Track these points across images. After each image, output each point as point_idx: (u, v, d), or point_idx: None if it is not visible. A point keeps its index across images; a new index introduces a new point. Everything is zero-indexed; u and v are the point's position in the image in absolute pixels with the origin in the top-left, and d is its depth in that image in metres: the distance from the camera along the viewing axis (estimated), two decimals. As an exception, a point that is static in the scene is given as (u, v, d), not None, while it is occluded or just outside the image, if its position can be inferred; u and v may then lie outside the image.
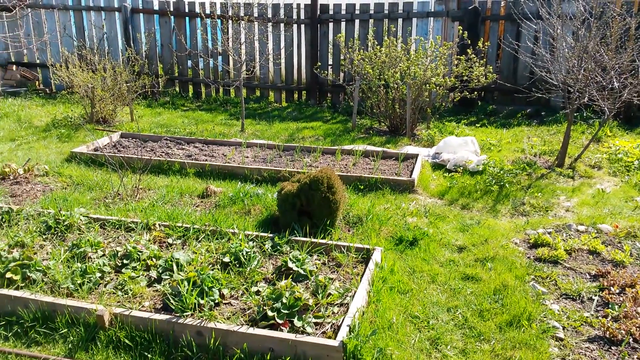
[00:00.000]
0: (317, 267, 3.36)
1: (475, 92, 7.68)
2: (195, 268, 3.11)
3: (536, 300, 3.19)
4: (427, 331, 2.95)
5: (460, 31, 7.77)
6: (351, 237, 3.99)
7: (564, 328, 2.94)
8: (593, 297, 3.24)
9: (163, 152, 6.20)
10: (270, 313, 2.68)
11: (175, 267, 3.13)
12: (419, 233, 4.07)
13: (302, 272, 3.24)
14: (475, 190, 5.26)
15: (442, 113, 8.37)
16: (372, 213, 4.35)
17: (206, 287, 2.86)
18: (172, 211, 4.28)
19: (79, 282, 3.06)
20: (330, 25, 9.47)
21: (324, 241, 3.67)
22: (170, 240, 3.72)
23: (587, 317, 3.04)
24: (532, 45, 6.90)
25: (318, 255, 3.58)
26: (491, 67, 7.58)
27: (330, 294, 3.01)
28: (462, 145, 6.23)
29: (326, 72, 9.10)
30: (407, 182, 5.24)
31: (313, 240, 3.68)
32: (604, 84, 5.73)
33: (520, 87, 7.63)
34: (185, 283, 2.87)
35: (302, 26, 9.58)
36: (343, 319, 2.77)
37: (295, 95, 9.98)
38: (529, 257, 3.83)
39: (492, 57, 9.00)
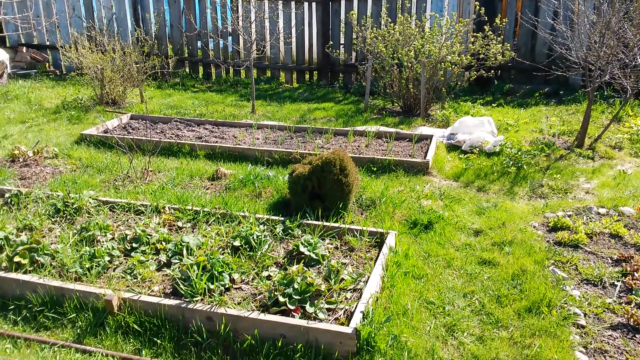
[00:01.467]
0: (329, 252, 3.27)
1: (492, 71, 7.46)
2: (205, 252, 3.05)
3: (556, 286, 3.08)
4: (443, 317, 2.87)
5: (477, 7, 7.51)
6: (364, 221, 3.89)
7: (585, 315, 2.83)
8: (615, 283, 3.12)
9: (173, 133, 6.12)
10: (281, 299, 2.61)
11: (184, 251, 3.07)
12: (434, 216, 3.96)
13: (314, 256, 3.16)
14: (491, 172, 5.11)
15: (457, 92, 8.17)
16: (385, 196, 4.24)
17: (216, 272, 2.79)
18: (181, 194, 4.21)
19: (87, 266, 3.02)
20: (342, 2, 9.23)
21: (336, 225, 3.58)
22: (180, 224, 3.66)
23: (609, 303, 2.93)
24: (552, 21, 6.64)
25: (330, 239, 3.49)
26: (509, 45, 7.34)
27: (343, 279, 2.93)
28: (478, 126, 6.06)
29: (338, 51, 8.91)
30: (422, 164, 5.11)
31: (325, 223, 3.59)
32: (627, 61, 5.50)
33: (539, 65, 7.38)
34: (195, 267, 2.81)
35: (314, 4, 9.36)
36: (356, 305, 2.69)
37: (307, 76, 9.81)
38: (548, 241, 3.71)
39: (509, 34, 8.72)
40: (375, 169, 5.10)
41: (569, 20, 6.65)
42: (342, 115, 7.34)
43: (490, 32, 7.15)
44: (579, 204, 4.34)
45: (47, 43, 10.23)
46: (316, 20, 9.46)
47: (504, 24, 7.54)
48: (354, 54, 9.27)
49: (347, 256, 3.32)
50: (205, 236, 3.38)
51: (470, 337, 2.73)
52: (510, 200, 4.53)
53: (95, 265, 3.03)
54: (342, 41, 9.47)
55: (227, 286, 2.82)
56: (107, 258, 3.12)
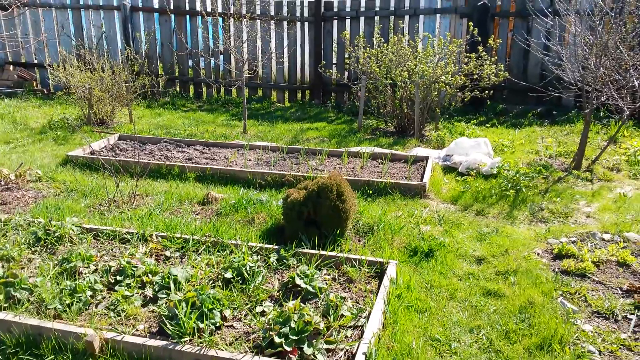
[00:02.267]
0: (327, 283, 3.09)
1: (486, 92, 7.40)
2: (194, 286, 2.85)
3: (567, 320, 2.92)
4: (449, 356, 2.69)
5: (471, 28, 7.49)
6: (362, 249, 3.72)
7: (600, 352, 2.67)
8: (629, 316, 2.97)
9: (162, 155, 5.94)
10: (277, 339, 2.41)
11: (172, 286, 2.87)
12: (434, 243, 3.80)
13: (310, 289, 2.97)
14: (490, 194, 4.99)
15: (451, 113, 8.11)
16: (383, 221, 4.08)
17: (206, 310, 2.59)
18: (170, 220, 4.01)
19: (67, 302, 2.80)
20: (335, 22, 9.21)
21: (333, 254, 3.41)
22: (167, 253, 3.46)
23: (624, 339, 2.77)
24: (546, 42, 6.61)
25: (327, 270, 3.31)
26: (502, 65, 7.31)
27: (342, 315, 2.74)
28: (475, 147, 5.96)
29: (330, 71, 8.84)
30: (418, 187, 4.97)
31: (322, 252, 3.41)
32: (623, 82, 5.45)
33: (531, 85, 7.34)
34: (184, 304, 2.61)
35: (306, 24, 9.32)
36: (358, 345, 2.50)
37: (299, 95, 9.71)
38: (554, 270, 3.56)
39: (501, 55, 8.71)
40: (371, 191, 4.95)
41: (563, 41, 6.63)
42: (335, 135, 7.21)
43: (484, 53, 7.12)
44: (582, 229, 4.22)
45: (35, 61, 10.06)
46: (308, 39, 9.41)
47: (497, 44, 7.52)
48: (346, 73, 9.20)
49: (345, 288, 3.14)
50: (195, 267, 3.18)
51: (479, 377, 2.55)
52: (511, 225, 4.39)
53: (76, 301, 2.82)
54: (334, 61, 9.41)
55: (218, 324, 2.63)
56: (89, 293, 2.91)
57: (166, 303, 2.76)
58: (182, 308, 2.59)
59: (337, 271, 3.31)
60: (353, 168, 5.61)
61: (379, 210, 4.34)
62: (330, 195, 3.63)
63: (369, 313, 2.77)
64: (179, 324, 2.53)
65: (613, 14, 5.44)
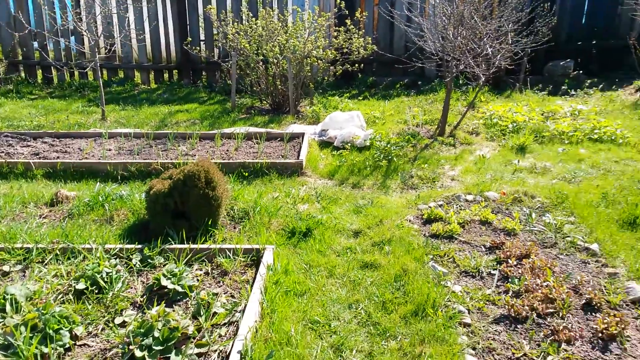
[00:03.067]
0: (198, 280, 2.85)
1: (356, 65, 7.51)
2: (37, 304, 2.44)
3: (438, 284, 3.02)
4: (330, 337, 2.62)
5: (338, 1, 7.48)
6: (238, 236, 3.51)
7: (469, 311, 2.79)
8: (492, 272, 3.15)
9: (2, 151, 5.13)
10: (138, 353, 2.14)
11: (8, 307, 2.42)
12: (312, 222, 3.72)
13: (179, 289, 2.71)
14: (364, 166, 5.05)
15: (325, 87, 8.11)
16: (259, 204, 3.90)
17: (51, 331, 2.22)
18: (8, 229, 3.43)
19: None
20: (199, -4, 8.67)
21: (205, 246, 3.16)
22: (6, 268, 2.94)
23: (489, 294, 2.93)
24: (408, 14, 6.82)
25: (199, 265, 3.06)
26: (369, 38, 7.43)
27: (215, 313, 2.53)
28: (349, 121, 6.00)
29: (198, 48, 8.33)
30: (295, 165, 4.87)
31: (192, 246, 3.15)
32: (478, 50, 5.81)
33: (398, 57, 7.59)
34: (23, 329, 2.21)
35: (167, -2, 8.65)
36: (233, 343, 2.32)
37: (166, 75, 9.07)
38: (424, 235, 3.68)
39: (369, 28, 8.89)
40: (247, 174, 4.74)
41: (424, 13, 6.90)
42: (207, 116, 6.84)
43: (352, 26, 7.16)
44: (448, 192, 4.43)
45: None
46: (172, 15, 8.77)
47: (364, 17, 7.62)
48: (216, 50, 8.76)
49: (219, 282, 2.92)
50: (40, 281, 2.74)
51: (360, 354, 2.52)
52: (385, 195, 4.48)
53: None
54: (202, 37, 8.90)
55: (67, 346, 2.27)
56: None
57: (2, 329, 2.32)
58: (21, 333, 2.19)
59: (210, 265, 3.08)
60: (227, 150, 5.34)
61: (255, 193, 4.15)
62: (198, 183, 3.35)
63: (245, 306, 2.59)
64: (17, 353, 2.14)
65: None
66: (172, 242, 3.24)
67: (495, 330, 2.63)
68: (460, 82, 7.85)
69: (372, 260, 3.34)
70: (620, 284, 2.96)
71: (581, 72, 8.62)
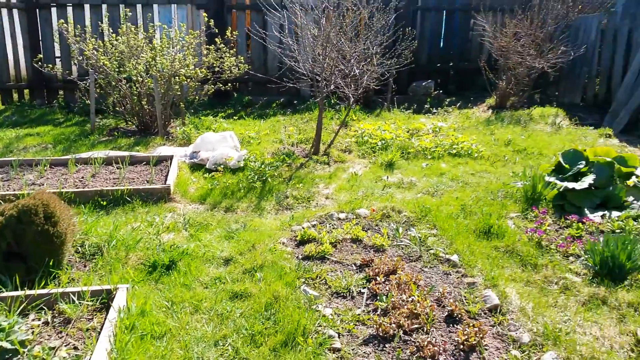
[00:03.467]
0: (33, 333, 2.43)
1: (229, 84, 7.33)
2: None
3: (309, 308, 2.92)
4: (192, 382, 2.38)
5: (206, 19, 7.27)
6: (88, 276, 3.11)
7: (339, 335, 2.72)
8: (362, 291, 3.15)
9: None
10: None
11: None
12: (176, 253, 3.44)
13: (8, 346, 2.29)
14: (238, 189, 4.87)
15: (197, 107, 7.82)
16: (115, 237, 3.52)
17: None
18: None
19: None
20: (54, 10, 7.91)
21: (45, 291, 2.74)
22: None
23: (359, 315, 2.90)
24: (279, 35, 6.84)
25: (37, 314, 2.63)
26: (242, 58, 7.33)
27: (49, 372, 2.16)
28: (221, 141, 5.79)
29: (52, 65, 7.55)
30: (162, 190, 4.53)
31: (29, 292, 2.71)
32: (347, 71, 5.98)
33: (272, 77, 7.56)
34: None
35: (16, 11, 7.77)
36: (69, 407, 1.98)
37: (16, 96, 8.09)
38: (297, 257, 3.59)
39: (242, 47, 8.79)
40: (105, 203, 4.30)
41: (295, 33, 6.97)
42: (62, 140, 6.17)
43: (222, 45, 7.00)
44: (322, 211, 4.42)
45: None
46: (21, 29, 7.88)
47: (235, 36, 7.50)
48: (74, 68, 8.02)
49: (60, 333, 2.53)
50: None
51: (226, 397, 2.32)
52: (259, 217, 4.34)
53: None
54: (57, 54, 8.10)
55: None
56: None
57: None
58: None
59: (51, 312, 2.67)
60: (82, 177, 4.81)
61: (112, 225, 3.75)
62: (36, 218, 2.92)
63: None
64: None
65: (332, 8, 5.86)
66: (4, 289, 2.76)
67: (364, 353, 2.59)
68: (332, 101, 8.04)
69: (242, 289, 3.15)
70: (478, 292, 3.11)
71: (441, 91, 9.35)
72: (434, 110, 8.28)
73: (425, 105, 8.46)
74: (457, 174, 5.35)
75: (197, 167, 5.53)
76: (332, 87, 5.93)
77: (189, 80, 6.79)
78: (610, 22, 8.38)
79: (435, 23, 9.56)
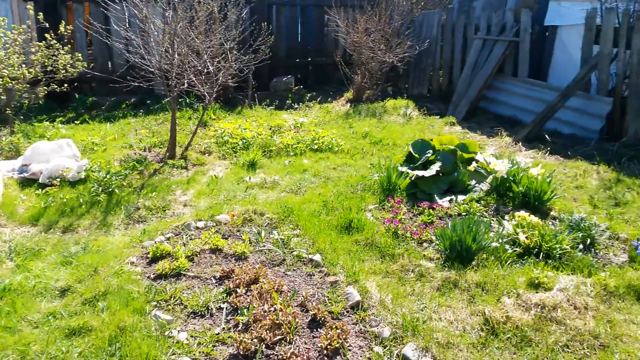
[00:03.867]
0: None
1: (67, 85, 6.50)
2: None
3: (161, 336, 2.61)
4: None
5: (31, 12, 6.35)
6: None
7: (195, 361, 2.47)
8: (222, 306, 2.91)
9: None
10: None
11: None
12: (-6, 291, 2.87)
13: None
14: (79, 204, 4.30)
15: (29, 113, 6.83)
16: None
17: None
18: None
19: None
20: None
21: None
22: None
23: (218, 334, 2.67)
24: (121, 29, 6.21)
25: None
26: (81, 55, 6.55)
27: None
28: (57, 151, 5.08)
29: None
30: (-21, 214, 3.80)
31: None
32: (200, 68, 5.62)
33: (117, 75, 6.88)
34: None
35: None
36: None
37: None
38: (149, 277, 3.23)
39: (82, 43, 7.90)
40: None
41: (140, 28, 6.38)
42: None
43: (54, 41, 6.17)
44: (178, 221, 4.07)
45: None
46: None
47: (69, 31, 6.66)
48: None
49: None
50: None
51: None
52: (105, 235, 3.86)
53: None
54: None
55: None
56: None
57: None
58: None
59: None
60: None
61: None
62: None
63: None
64: None
65: (178, 0, 5.44)
66: None
67: (224, 378, 2.37)
68: (190, 100, 7.60)
69: (81, 324, 2.73)
70: (341, 290, 3.07)
71: (302, 86, 9.39)
72: (296, 106, 8.27)
73: (287, 101, 8.41)
74: (319, 170, 5.34)
75: (28, 182, 4.77)
76: (185, 85, 5.53)
77: (14, 82, 5.87)
78: (449, 18, 9.10)
79: (291, 18, 9.55)
